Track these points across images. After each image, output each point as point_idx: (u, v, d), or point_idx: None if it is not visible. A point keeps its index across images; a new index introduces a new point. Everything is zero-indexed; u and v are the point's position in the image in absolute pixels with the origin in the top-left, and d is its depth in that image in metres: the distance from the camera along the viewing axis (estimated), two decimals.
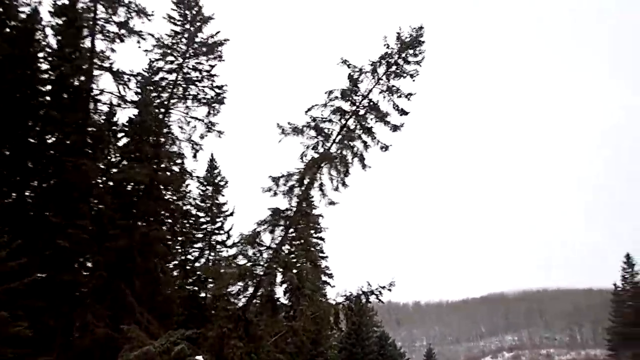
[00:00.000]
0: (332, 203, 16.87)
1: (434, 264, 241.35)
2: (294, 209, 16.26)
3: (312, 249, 41.72)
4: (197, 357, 13.00)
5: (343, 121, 16.99)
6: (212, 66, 21.53)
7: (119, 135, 21.10)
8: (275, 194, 16.11)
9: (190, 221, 27.77)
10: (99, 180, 19.38)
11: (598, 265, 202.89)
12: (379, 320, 70.54)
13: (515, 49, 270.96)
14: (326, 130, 16.89)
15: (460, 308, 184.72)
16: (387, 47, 16.92)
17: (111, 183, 20.16)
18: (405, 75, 17.00)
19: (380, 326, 70.60)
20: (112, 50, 19.03)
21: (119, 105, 20.26)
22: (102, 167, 19.73)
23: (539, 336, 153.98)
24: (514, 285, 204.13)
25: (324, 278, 42.74)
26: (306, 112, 16.82)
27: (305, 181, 16.17)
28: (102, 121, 20.12)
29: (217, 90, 21.64)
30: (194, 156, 22.11)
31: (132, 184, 20.22)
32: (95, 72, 18.91)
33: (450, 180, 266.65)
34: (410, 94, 17.02)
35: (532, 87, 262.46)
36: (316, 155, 16.58)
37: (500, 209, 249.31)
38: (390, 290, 16.02)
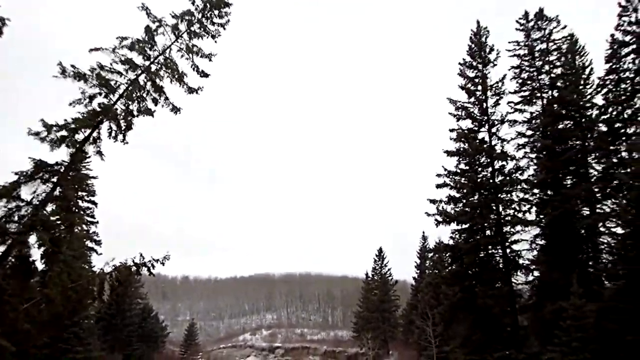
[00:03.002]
0: (100, 153, 15.28)
1: (209, 241, 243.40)
2: (65, 164, 14.54)
3: (82, 212, 39.08)
4: None
5: (133, 75, 15.60)
6: None
7: None
8: (44, 140, 14.08)
9: None
10: None
11: (354, 256, 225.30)
12: (144, 293, 68.78)
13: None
14: (112, 83, 15.40)
15: (228, 286, 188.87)
16: (193, 4, 16.12)
17: None
18: (207, 35, 16.40)
19: (145, 298, 68.90)
20: None
21: None
22: None
23: (296, 316, 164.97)
24: (280, 267, 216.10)
25: (91, 245, 40.29)
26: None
27: (81, 135, 14.65)
28: None
29: None
30: None
31: None
32: None
33: (233, 162, 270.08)
34: (212, 55, 16.48)
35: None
36: (98, 108, 15.07)
37: (276, 195, 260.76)
38: (163, 263, 15.39)
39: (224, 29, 16.52)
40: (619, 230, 24.75)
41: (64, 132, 14.25)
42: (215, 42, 16.45)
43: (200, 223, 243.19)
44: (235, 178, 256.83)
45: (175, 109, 16.32)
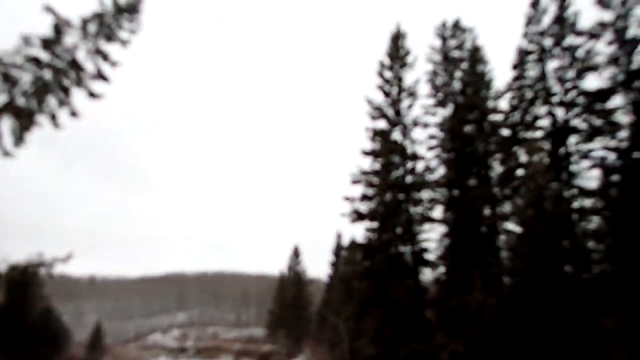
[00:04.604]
0: (7, 154, 14.72)
1: (118, 240, 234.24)
2: None
3: None
4: None
5: (38, 72, 15.13)
6: None
7: None
8: None
9: None
10: None
11: (272, 255, 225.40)
12: (46, 293, 65.38)
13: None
14: (14, 79, 14.78)
15: (137, 285, 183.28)
16: (102, 6, 15.80)
17: None
18: (116, 40, 16.15)
19: (47, 299, 65.47)
20: None
21: None
22: None
23: (209, 315, 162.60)
24: (193, 266, 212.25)
25: None
26: None
27: None
28: None
29: None
30: None
31: None
32: None
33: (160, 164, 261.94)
34: (116, 62, 16.21)
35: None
36: None
37: (190, 193, 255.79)
38: (66, 262, 14.78)
39: (135, 34, 16.33)
40: (516, 229, 26.39)
41: None
42: (125, 47, 16.25)
43: (108, 222, 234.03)
44: (146, 176, 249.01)
45: (74, 113, 15.84)
